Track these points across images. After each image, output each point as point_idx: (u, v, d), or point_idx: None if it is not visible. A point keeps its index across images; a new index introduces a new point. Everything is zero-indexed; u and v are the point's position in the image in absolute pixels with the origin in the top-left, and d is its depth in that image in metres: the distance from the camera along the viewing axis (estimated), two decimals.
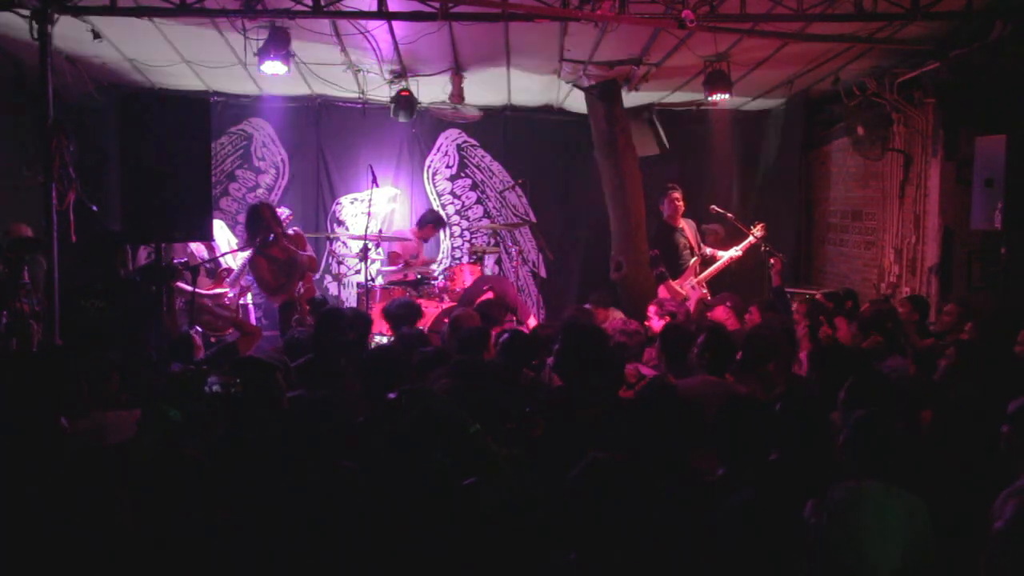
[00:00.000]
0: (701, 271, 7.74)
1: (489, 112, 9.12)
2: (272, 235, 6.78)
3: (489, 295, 7.09)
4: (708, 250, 7.88)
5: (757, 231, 7.58)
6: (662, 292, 7.59)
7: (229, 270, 7.18)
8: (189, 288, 6.21)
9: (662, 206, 7.93)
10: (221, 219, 8.09)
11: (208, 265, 7.13)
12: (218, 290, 7.06)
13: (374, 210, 8.41)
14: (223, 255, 7.23)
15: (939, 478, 3.08)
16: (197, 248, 7.11)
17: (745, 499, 2.74)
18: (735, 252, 7.66)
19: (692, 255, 7.84)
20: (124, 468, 2.75)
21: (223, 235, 7.62)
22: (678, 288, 7.62)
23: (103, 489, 2.54)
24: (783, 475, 2.95)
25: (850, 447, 2.99)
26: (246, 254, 7.19)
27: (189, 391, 3.01)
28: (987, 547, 2.56)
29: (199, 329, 6.18)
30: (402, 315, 5.81)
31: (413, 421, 2.83)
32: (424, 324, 6.93)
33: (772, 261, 7.09)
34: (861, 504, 2.44)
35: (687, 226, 7.92)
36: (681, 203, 7.88)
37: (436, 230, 8.73)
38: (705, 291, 7.66)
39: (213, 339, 6.74)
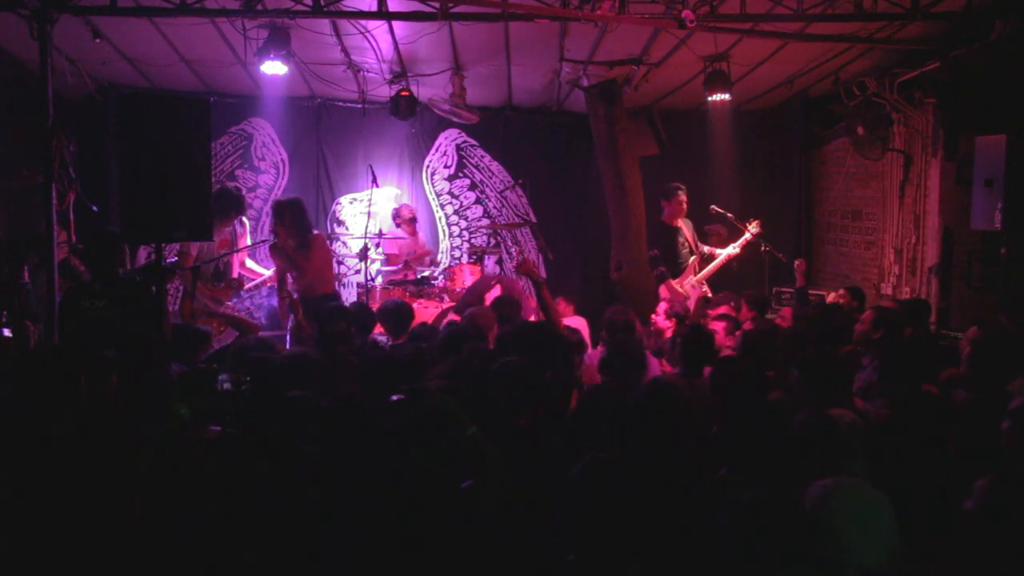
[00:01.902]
0: (700, 270, 7.75)
1: (489, 112, 9.12)
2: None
3: (497, 290, 7.10)
4: (706, 248, 7.89)
5: (753, 228, 7.62)
6: (662, 292, 7.60)
7: (242, 284, 7.11)
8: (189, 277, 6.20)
9: (666, 204, 7.89)
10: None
11: (221, 266, 7.06)
12: (221, 300, 6.99)
13: (374, 210, 8.41)
14: (229, 253, 7.15)
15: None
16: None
17: (747, 498, 2.73)
18: (733, 250, 7.68)
19: (691, 254, 7.84)
20: (134, 464, 2.75)
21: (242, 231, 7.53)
22: (678, 287, 7.63)
23: (112, 485, 2.55)
24: (784, 474, 2.95)
25: (806, 445, 2.99)
26: (269, 272, 7.17)
27: (199, 389, 3.02)
28: (956, 532, 2.57)
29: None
30: (397, 317, 5.77)
31: (412, 421, 2.83)
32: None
33: (797, 263, 7.17)
34: (839, 500, 2.45)
35: (685, 225, 7.93)
36: (685, 204, 7.87)
37: (408, 221, 8.75)
38: (705, 289, 7.66)
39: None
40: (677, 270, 7.74)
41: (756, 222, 7.64)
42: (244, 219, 7.45)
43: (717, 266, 7.72)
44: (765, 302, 6.96)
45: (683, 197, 7.85)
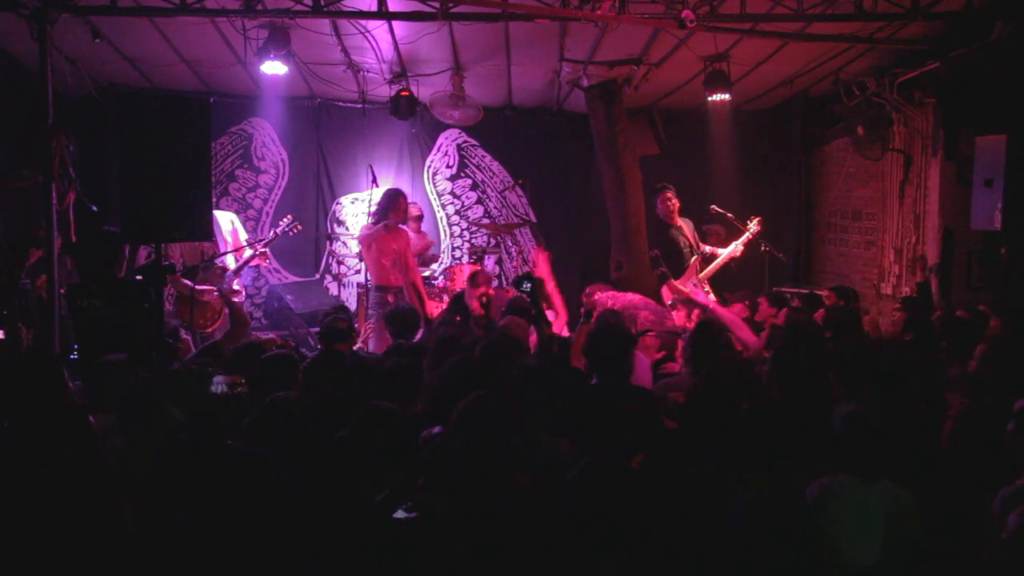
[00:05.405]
0: (701, 269, 7.74)
1: (489, 112, 9.12)
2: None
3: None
4: (707, 248, 7.87)
5: (754, 225, 7.62)
6: (665, 293, 7.57)
7: (225, 268, 7.15)
8: (188, 284, 6.21)
9: (656, 207, 7.91)
10: (235, 213, 8.15)
11: (218, 261, 7.08)
12: (206, 287, 7.03)
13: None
14: (225, 253, 7.18)
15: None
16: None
17: (747, 501, 2.73)
18: (735, 249, 7.66)
19: (692, 253, 7.82)
20: (125, 467, 2.74)
21: (231, 228, 7.54)
22: (680, 287, 7.59)
23: (103, 490, 2.54)
24: (784, 477, 2.95)
25: (840, 443, 2.98)
26: (247, 252, 7.18)
27: (192, 390, 3.00)
28: (989, 552, 2.56)
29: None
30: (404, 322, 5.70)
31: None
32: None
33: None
34: (833, 499, 2.44)
35: (685, 224, 7.90)
36: (674, 201, 7.85)
37: (415, 219, 8.70)
38: (708, 289, 7.63)
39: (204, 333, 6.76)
40: (679, 270, 7.72)
41: (757, 219, 7.64)
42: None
43: (719, 265, 7.71)
44: (784, 299, 6.97)
45: (668, 195, 7.84)
